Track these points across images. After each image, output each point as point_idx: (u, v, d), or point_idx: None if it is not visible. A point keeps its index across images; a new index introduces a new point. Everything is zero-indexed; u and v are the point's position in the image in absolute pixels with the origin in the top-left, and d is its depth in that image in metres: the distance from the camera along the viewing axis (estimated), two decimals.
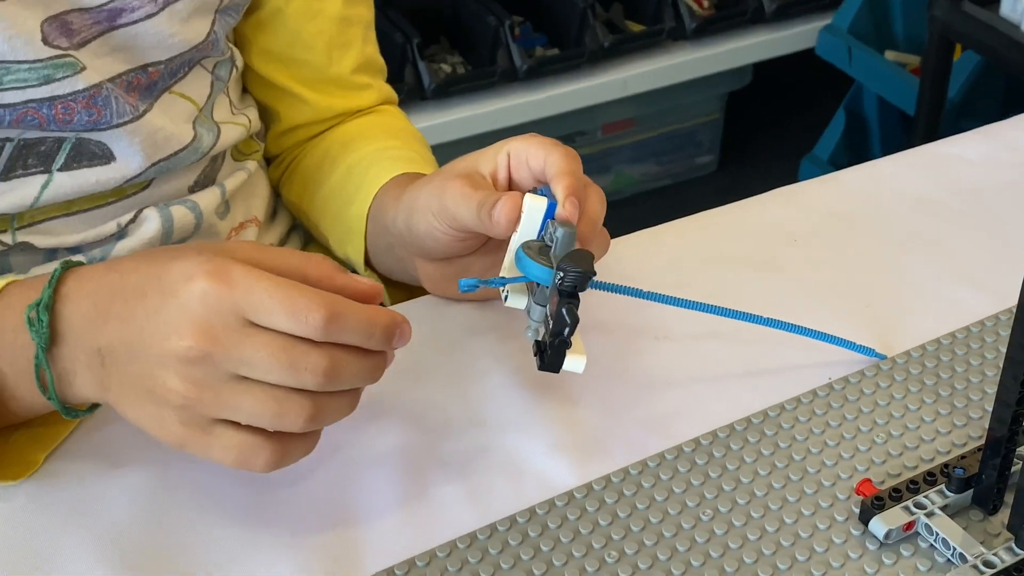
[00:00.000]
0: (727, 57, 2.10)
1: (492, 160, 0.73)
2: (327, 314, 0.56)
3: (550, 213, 0.66)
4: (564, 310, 0.62)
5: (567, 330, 0.63)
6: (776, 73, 2.27)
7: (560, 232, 0.64)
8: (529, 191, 0.69)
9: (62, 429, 0.67)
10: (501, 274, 0.67)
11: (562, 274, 0.62)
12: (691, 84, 2.11)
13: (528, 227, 0.66)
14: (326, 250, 0.97)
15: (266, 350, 0.57)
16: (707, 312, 0.71)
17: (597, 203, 0.70)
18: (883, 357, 0.75)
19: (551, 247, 0.65)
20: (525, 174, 0.72)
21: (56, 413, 0.64)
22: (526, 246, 0.65)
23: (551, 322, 0.64)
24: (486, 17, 1.92)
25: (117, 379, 0.61)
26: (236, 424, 0.59)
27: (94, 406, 0.64)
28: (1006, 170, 0.92)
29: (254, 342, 0.57)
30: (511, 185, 0.73)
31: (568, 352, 0.64)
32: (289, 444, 0.60)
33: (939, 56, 1.81)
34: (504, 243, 0.69)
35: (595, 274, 0.62)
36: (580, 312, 0.62)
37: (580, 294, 0.63)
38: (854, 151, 2.12)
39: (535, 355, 0.66)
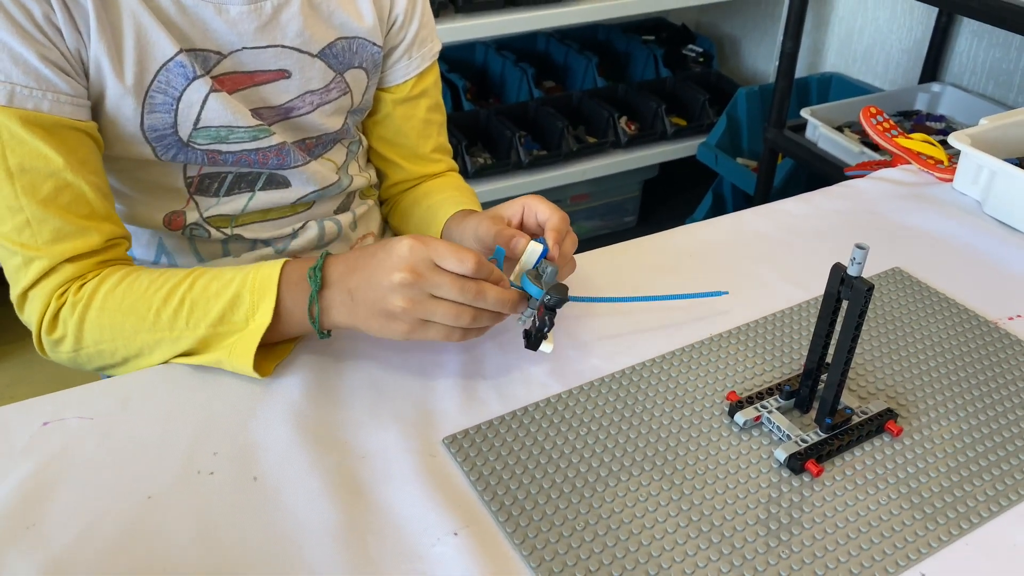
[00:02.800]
0: (644, 159, 2.07)
1: (511, 208, 0.73)
2: (477, 260, 0.60)
3: (543, 255, 0.66)
4: (547, 316, 0.64)
5: (547, 328, 0.65)
6: (673, 169, 2.26)
7: (549, 268, 0.65)
8: (531, 237, 0.69)
9: (285, 351, 0.69)
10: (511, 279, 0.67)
11: (549, 296, 0.63)
12: (623, 174, 2.09)
13: (529, 258, 0.66)
14: None
15: (447, 279, 0.60)
16: (623, 301, 0.72)
17: (570, 244, 0.71)
18: (726, 293, 0.75)
19: (542, 276, 0.65)
20: (532, 220, 0.72)
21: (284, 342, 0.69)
22: (528, 273, 0.65)
23: (537, 321, 0.65)
24: (504, 131, 1.92)
25: (362, 307, 0.63)
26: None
27: (330, 333, 0.66)
28: (812, 220, 0.91)
29: (441, 276, 0.60)
30: (522, 225, 0.73)
31: (544, 341, 0.65)
32: (466, 333, 0.63)
33: (769, 160, 1.81)
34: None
35: (568, 299, 0.64)
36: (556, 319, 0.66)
37: (557, 310, 0.64)
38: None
39: (524, 338, 0.66)
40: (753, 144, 2.09)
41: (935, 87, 1.81)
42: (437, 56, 0.90)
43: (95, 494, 0.57)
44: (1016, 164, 0.95)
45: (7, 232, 0.67)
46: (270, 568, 0.53)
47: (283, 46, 0.76)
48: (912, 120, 1.78)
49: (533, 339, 0.65)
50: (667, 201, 2.37)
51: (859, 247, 0.56)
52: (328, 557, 0.53)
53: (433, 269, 0.60)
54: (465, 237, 0.77)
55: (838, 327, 0.60)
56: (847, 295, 0.58)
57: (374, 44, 0.82)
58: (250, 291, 0.65)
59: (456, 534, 0.54)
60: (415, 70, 0.88)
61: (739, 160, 2.03)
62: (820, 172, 1.66)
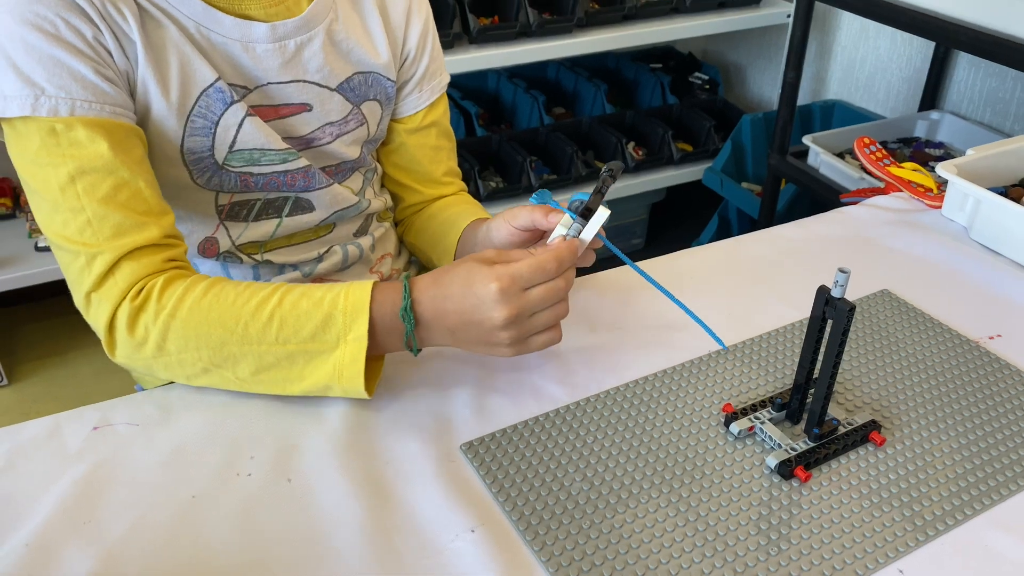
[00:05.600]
0: (652, 183, 2.12)
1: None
2: (556, 258, 0.67)
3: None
4: (604, 181, 0.72)
5: (605, 187, 0.72)
6: (680, 193, 2.30)
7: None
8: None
9: (379, 368, 0.73)
10: (553, 234, 0.72)
11: (608, 168, 0.72)
12: (631, 198, 2.14)
13: (561, 228, 0.72)
14: (428, 267, 1.02)
15: (540, 294, 0.67)
16: (648, 279, 0.76)
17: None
18: (726, 348, 0.78)
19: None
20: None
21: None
22: (576, 196, 0.72)
23: (595, 190, 0.71)
24: (516, 156, 1.98)
25: (464, 340, 0.69)
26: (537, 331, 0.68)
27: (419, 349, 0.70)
28: (807, 244, 0.96)
29: (533, 295, 0.67)
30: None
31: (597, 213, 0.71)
32: (558, 331, 0.70)
33: (773, 186, 1.85)
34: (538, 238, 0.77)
35: (623, 169, 0.71)
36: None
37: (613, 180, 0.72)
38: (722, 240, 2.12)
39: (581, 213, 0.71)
40: (757, 169, 2.15)
41: (934, 115, 1.87)
42: (446, 88, 0.96)
43: (143, 493, 0.63)
44: (1002, 192, 1.00)
45: (71, 235, 0.69)
46: (303, 561, 0.58)
47: (305, 81, 0.82)
48: (912, 147, 1.83)
49: (592, 203, 0.71)
50: (674, 224, 2.43)
51: (841, 271, 0.61)
52: (356, 550, 0.58)
53: (526, 295, 0.66)
54: (492, 225, 0.81)
55: (826, 344, 0.65)
56: (831, 315, 0.63)
57: (388, 79, 0.88)
58: (342, 312, 0.67)
59: (473, 531, 0.60)
60: (425, 102, 0.93)
61: (744, 185, 2.09)
62: (821, 197, 1.71)
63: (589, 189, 0.75)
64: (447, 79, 0.96)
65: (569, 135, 2.08)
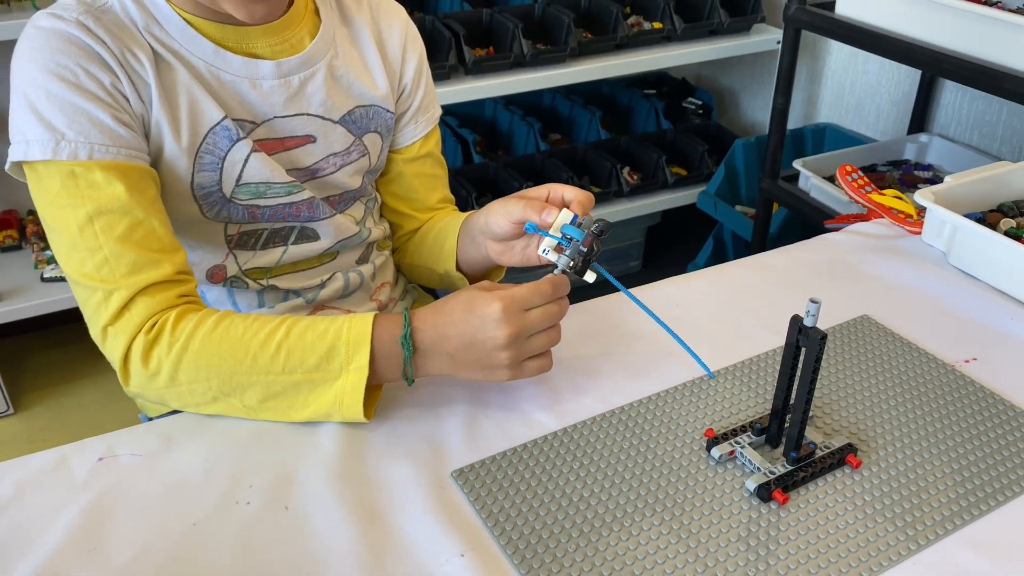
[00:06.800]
0: (647, 207, 2.14)
1: (538, 191, 0.80)
2: (552, 283, 0.71)
3: (575, 219, 0.76)
4: (594, 244, 0.74)
5: (594, 255, 0.75)
6: (675, 216, 2.33)
7: (586, 219, 0.75)
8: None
9: (378, 394, 0.76)
10: (541, 247, 0.77)
11: (598, 224, 0.74)
12: (627, 221, 2.16)
13: (562, 221, 0.75)
14: (426, 291, 1.07)
15: (538, 316, 0.71)
16: (640, 306, 0.79)
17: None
18: (713, 376, 0.81)
19: (580, 226, 0.75)
20: (558, 200, 0.79)
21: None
22: (565, 227, 0.75)
23: (583, 253, 0.74)
24: (512, 183, 2.01)
25: (464, 365, 0.72)
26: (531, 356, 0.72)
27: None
28: (790, 271, 0.98)
29: (532, 316, 0.71)
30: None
31: (588, 270, 0.75)
32: (549, 358, 0.73)
33: (765, 209, 1.88)
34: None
35: (612, 229, 0.76)
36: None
37: (599, 245, 0.75)
38: (718, 261, 2.14)
39: (572, 270, 0.74)
40: (751, 192, 2.18)
41: (923, 137, 1.90)
42: (438, 120, 1.01)
43: (147, 521, 0.65)
44: (980, 218, 1.03)
45: (88, 272, 0.72)
46: None
47: (308, 114, 0.86)
48: (901, 169, 1.86)
49: (582, 266, 0.74)
50: (670, 246, 2.46)
51: (812, 301, 0.64)
52: (350, 575, 0.61)
53: (525, 316, 0.70)
54: (491, 218, 0.83)
55: (800, 371, 0.68)
56: (804, 343, 0.66)
57: (387, 110, 0.93)
58: (345, 344, 0.70)
59: (463, 555, 0.62)
60: (421, 132, 0.98)
61: (737, 208, 2.12)
62: (812, 220, 1.74)
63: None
64: (439, 111, 1.01)
65: (565, 161, 2.11)
